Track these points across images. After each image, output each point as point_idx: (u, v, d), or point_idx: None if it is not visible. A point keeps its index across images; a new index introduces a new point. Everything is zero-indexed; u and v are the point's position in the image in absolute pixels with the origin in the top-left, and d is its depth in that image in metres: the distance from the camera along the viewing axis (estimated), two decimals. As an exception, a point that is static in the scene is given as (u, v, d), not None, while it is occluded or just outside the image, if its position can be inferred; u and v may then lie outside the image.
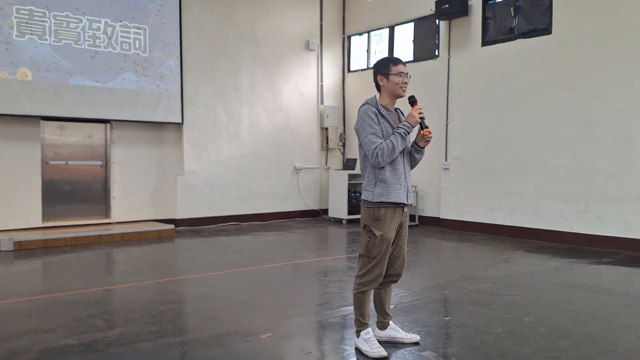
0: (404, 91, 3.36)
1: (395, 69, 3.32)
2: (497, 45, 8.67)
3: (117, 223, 8.61)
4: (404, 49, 10.44)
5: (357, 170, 10.56)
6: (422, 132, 3.34)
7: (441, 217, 9.42)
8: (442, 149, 9.38)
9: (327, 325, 4.02)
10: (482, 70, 8.85)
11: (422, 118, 3.30)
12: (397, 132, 3.25)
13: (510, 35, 8.54)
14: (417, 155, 3.45)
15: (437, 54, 9.73)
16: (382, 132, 3.26)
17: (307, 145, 11.04)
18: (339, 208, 10.41)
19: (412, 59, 10.18)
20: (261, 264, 6.27)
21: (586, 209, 7.48)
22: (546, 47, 7.98)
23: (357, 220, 10.24)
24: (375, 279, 3.35)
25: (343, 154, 11.63)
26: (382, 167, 3.28)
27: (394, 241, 3.39)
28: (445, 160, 9.35)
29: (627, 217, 7.08)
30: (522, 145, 8.27)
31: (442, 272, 5.84)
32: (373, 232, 3.29)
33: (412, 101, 3.39)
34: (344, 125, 11.62)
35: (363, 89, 11.09)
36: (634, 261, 6.48)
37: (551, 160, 7.90)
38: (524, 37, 8.30)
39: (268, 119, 10.44)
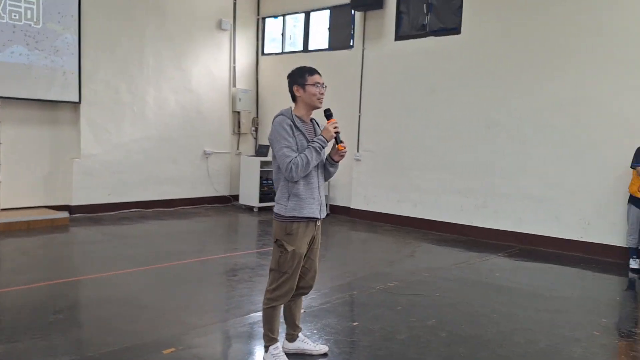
0: (321, 102, 3.27)
1: (311, 79, 3.21)
2: (410, 40, 8.83)
3: (3, 210, 7.84)
4: (320, 36, 10.35)
5: (270, 157, 10.44)
6: (337, 146, 3.28)
7: (352, 207, 9.57)
8: (355, 139, 9.47)
9: (235, 337, 3.92)
10: (395, 65, 8.99)
11: (337, 132, 3.24)
12: (312, 146, 3.16)
13: (422, 32, 8.72)
14: (331, 169, 3.39)
15: (352, 44, 9.73)
16: (296, 145, 3.17)
17: (217, 129, 10.68)
18: (250, 195, 10.23)
19: (327, 47, 10.13)
20: (165, 260, 5.98)
21: (484, 204, 7.93)
22: (455, 46, 8.25)
23: (268, 208, 10.18)
24: (286, 294, 3.28)
25: (255, 139, 11.41)
26: (296, 181, 3.19)
27: (306, 254, 3.34)
28: (357, 151, 9.46)
29: (520, 213, 7.59)
30: (428, 142, 8.55)
31: (351, 269, 5.91)
32: (285, 247, 3.22)
33: (328, 114, 3.32)
34: (257, 109, 11.38)
35: (277, 73, 10.87)
36: (525, 254, 6.97)
37: (454, 157, 8.24)
38: (435, 35, 8.51)
39: (176, 100, 9.95)
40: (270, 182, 10.44)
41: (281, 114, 3.24)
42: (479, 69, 7.98)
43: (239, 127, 11.08)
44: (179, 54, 9.89)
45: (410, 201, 8.75)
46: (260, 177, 10.16)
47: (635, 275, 6.13)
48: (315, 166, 3.25)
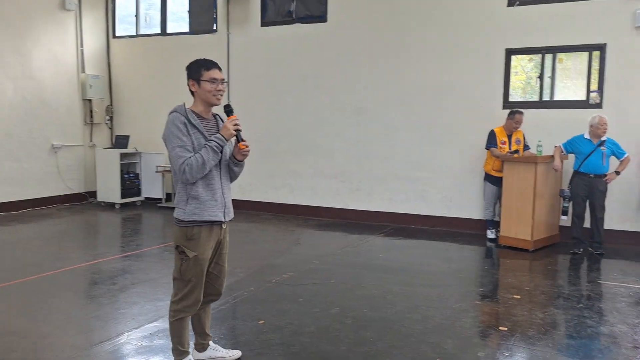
0: (218, 100, 3.02)
1: (207, 75, 2.95)
2: (277, 27, 8.75)
3: None
4: (179, 19, 9.78)
5: (131, 148, 9.67)
6: (238, 145, 3.07)
7: (224, 197, 9.29)
8: (224, 128, 9.16)
9: (135, 354, 3.54)
10: (263, 51, 8.84)
11: (238, 130, 3.01)
12: (209, 146, 2.91)
13: (288, 18, 8.68)
14: (235, 169, 3.17)
15: (215, 28, 9.35)
16: (192, 143, 2.91)
17: (66, 120, 9.58)
18: (110, 191, 9.40)
19: (188, 30, 9.61)
20: (23, 274, 5.20)
21: (358, 187, 8.24)
22: (322, 34, 8.36)
23: (132, 204, 9.47)
24: (194, 304, 3.05)
25: (111, 129, 10.46)
26: (194, 183, 2.94)
27: (213, 259, 3.12)
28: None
29: (391, 194, 8.03)
30: (301, 128, 8.61)
31: (241, 264, 5.72)
32: (186, 253, 2.97)
33: (228, 111, 3.08)
34: (111, 96, 10.41)
35: (133, 57, 10.09)
36: (398, 233, 7.40)
37: (327, 142, 8.42)
38: (302, 22, 8.53)
39: (15, 89, 8.69)
40: (133, 175, 9.72)
41: (174, 110, 2.96)
42: (346, 57, 8.20)
43: (91, 116, 10.08)
44: (16, 37, 8.64)
45: (287, 188, 8.76)
46: (122, 171, 9.39)
47: (492, 244, 6.84)
48: (217, 165, 3.02)
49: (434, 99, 7.66)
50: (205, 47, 9.29)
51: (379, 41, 7.96)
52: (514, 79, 7.41)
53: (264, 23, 8.89)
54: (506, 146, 6.85)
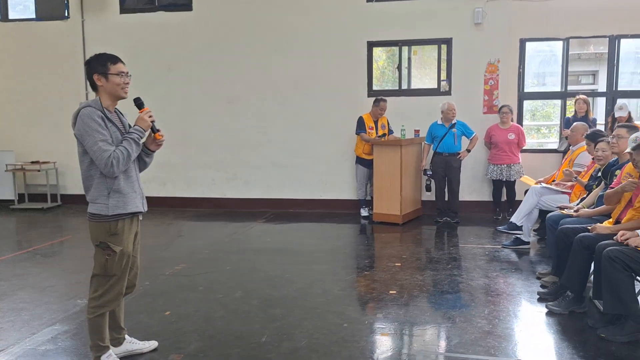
0: (126, 93, 3.01)
1: (114, 69, 2.93)
2: (138, 14, 8.40)
3: None
4: (22, 4, 8.87)
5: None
6: (153, 135, 3.12)
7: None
8: (84, 121, 8.57)
9: (44, 356, 3.32)
10: (124, 40, 8.39)
11: (152, 121, 3.06)
12: (130, 138, 2.93)
13: (151, 5, 8.38)
14: (147, 159, 3.21)
15: (67, 14, 8.66)
16: (111, 137, 2.88)
17: None
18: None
19: (34, 16, 8.77)
20: None
21: (235, 176, 8.32)
22: (189, 22, 8.23)
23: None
24: (115, 298, 3.02)
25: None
26: (116, 177, 2.90)
27: (130, 252, 3.09)
28: (90, 134, 8.60)
29: (268, 180, 8.25)
30: (169, 118, 8.35)
31: (125, 260, 5.52)
32: (111, 249, 2.93)
33: (139, 103, 3.10)
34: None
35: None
36: (280, 217, 7.67)
37: (200, 133, 8.35)
38: (166, 10, 8.31)
39: None
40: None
41: (89, 105, 2.89)
42: (215, 46, 8.18)
43: None
44: None
45: (158, 180, 8.49)
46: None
47: (366, 221, 7.44)
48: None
49: (305, 88, 8.01)
50: (55, 34, 8.62)
51: (247, 31, 8.07)
52: (376, 69, 8.07)
53: (124, 10, 8.47)
54: (374, 131, 7.46)
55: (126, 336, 3.31)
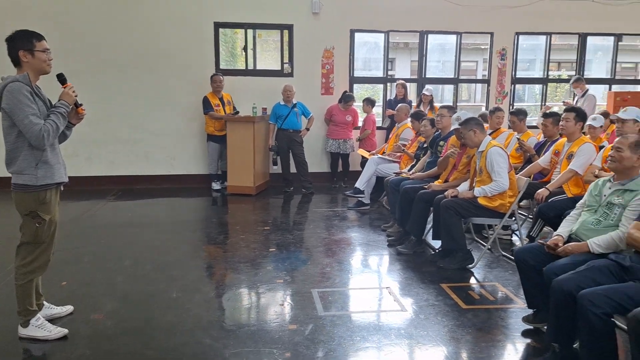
0: (50, 68, 3.10)
1: (40, 45, 3.02)
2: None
3: None
4: None
5: None
6: (76, 109, 3.26)
7: None
8: None
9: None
10: None
11: (76, 96, 3.19)
12: (58, 112, 3.05)
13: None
14: (67, 132, 3.32)
15: None
16: (39, 111, 2.97)
17: None
18: None
19: None
20: None
21: (75, 153, 7.89)
22: (15, -16, 7.49)
23: None
24: (45, 264, 3.20)
25: None
26: (44, 149, 3.02)
27: (49, 220, 3.19)
28: None
29: (112, 157, 8.04)
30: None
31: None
32: (41, 217, 3.06)
33: (63, 79, 3.21)
34: None
35: None
36: (129, 194, 7.59)
37: (32, 106, 7.70)
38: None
39: None
40: None
41: (17, 80, 2.94)
42: (51, 20, 7.58)
43: None
44: None
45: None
46: None
47: (217, 194, 7.82)
48: None
49: (150, 64, 7.95)
50: None
51: (87, 5, 7.68)
52: (226, 49, 8.40)
53: None
54: (221, 108, 7.82)
55: (44, 302, 3.36)
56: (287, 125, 7.87)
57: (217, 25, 8.16)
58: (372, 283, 4.30)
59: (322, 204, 7.24)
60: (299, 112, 7.94)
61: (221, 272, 4.51)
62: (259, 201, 7.36)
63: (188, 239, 5.42)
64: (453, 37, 8.85)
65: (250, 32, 8.31)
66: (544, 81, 9.41)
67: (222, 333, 3.28)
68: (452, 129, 5.14)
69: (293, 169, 8.02)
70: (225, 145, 7.66)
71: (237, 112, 7.81)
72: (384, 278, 4.44)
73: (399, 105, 7.42)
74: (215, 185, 8.02)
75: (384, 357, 3.05)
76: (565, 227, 3.30)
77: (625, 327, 2.39)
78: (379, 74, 9.08)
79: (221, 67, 8.27)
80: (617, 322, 2.53)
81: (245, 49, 8.37)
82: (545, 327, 3.06)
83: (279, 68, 8.45)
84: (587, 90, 8.33)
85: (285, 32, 8.38)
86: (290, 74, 8.40)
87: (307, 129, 8.07)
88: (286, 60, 8.42)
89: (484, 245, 4.97)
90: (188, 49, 8.05)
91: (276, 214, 6.79)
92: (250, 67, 8.38)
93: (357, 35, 8.60)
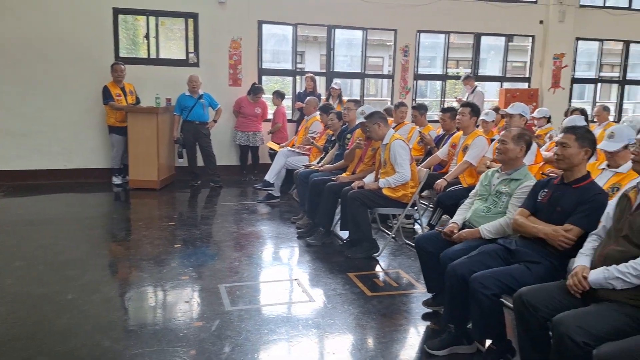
0: None
1: None
2: None
3: None
4: None
5: None
6: None
7: None
8: None
9: None
10: None
11: None
12: None
13: None
14: None
15: None
16: None
17: None
18: None
19: None
20: None
21: (-45, 147, 7.17)
22: None
23: None
24: None
25: None
26: None
27: None
28: None
29: (1, 151, 7.38)
30: None
31: None
32: None
33: None
34: None
35: None
36: (20, 190, 7.00)
37: None
38: None
39: None
40: None
41: None
42: None
43: None
44: None
45: None
46: None
47: (119, 189, 7.45)
48: None
49: (42, 51, 7.38)
50: None
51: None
52: (126, 37, 7.98)
53: None
54: (122, 98, 7.44)
55: None
56: (193, 117, 7.64)
57: (117, 11, 7.73)
58: (281, 275, 4.31)
59: (231, 197, 7.13)
60: (205, 104, 7.75)
61: (123, 270, 4.31)
62: (163, 196, 7.11)
63: (86, 236, 5.12)
64: (359, 33, 9.06)
65: (152, 19, 7.97)
66: (443, 78, 9.90)
67: (123, 334, 3.14)
68: (357, 122, 5.26)
69: (200, 162, 7.82)
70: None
71: (139, 102, 7.47)
72: (293, 270, 4.47)
73: (308, 98, 7.48)
74: (117, 180, 7.63)
75: (291, 348, 3.08)
76: (459, 215, 3.50)
77: (512, 306, 2.59)
78: (288, 66, 9.08)
79: (121, 55, 7.86)
80: (504, 302, 2.73)
81: (147, 36, 8.01)
82: (443, 310, 3.24)
83: (184, 57, 8.19)
84: (476, 86, 8.88)
85: (190, 20, 8.12)
86: (196, 64, 8.17)
87: (215, 121, 7.89)
88: (191, 49, 8.18)
89: (389, 234, 5.15)
90: (84, 36, 7.56)
91: (182, 208, 6.61)
92: (153, 55, 8.04)
93: (265, 26, 8.53)
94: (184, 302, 3.64)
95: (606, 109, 7.60)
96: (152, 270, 4.21)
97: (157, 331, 3.18)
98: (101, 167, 7.82)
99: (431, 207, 5.68)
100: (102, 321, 3.29)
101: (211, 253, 4.75)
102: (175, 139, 7.72)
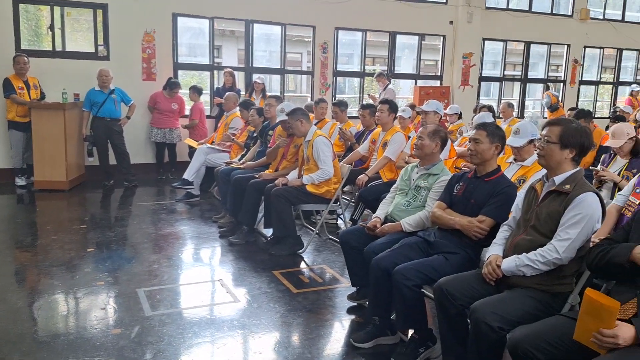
0: None
1: None
2: None
3: None
4: None
5: None
6: None
7: None
8: None
9: None
10: None
11: None
12: None
13: None
14: None
15: None
16: None
17: None
18: None
19: None
20: None
21: None
22: None
23: None
24: None
25: None
26: None
27: None
28: None
29: None
30: None
31: None
32: None
33: None
34: None
35: None
36: None
37: None
38: None
39: None
40: None
41: None
42: None
43: None
44: None
45: None
46: None
47: (23, 191, 6.92)
48: None
49: None
50: None
51: None
52: (28, 28, 7.40)
53: None
54: (25, 91, 6.90)
55: None
56: (104, 113, 7.24)
57: (17, 1, 7.15)
58: (204, 277, 4.21)
59: (148, 197, 6.86)
60: (117, 99, 7.36)
61: (31, 278, 4.01)
62: (73, 197, 6.70)
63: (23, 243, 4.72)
64: (278, 28, 9.01)
65: (57, 9, 7.45)
66: (361, 75, 10.10)
67: (33, 346, 2.92)
68: (278, 120, 5.23)
69: (113, 161, 7.44)
70: (31, 134, 6.79)
71: (44, 98, 6.97)
72: (216, 270, 4.38)
73: (227, 93, 7.34)
74: (20, 181, 7.07)
75: (216, 350, 3.01)
76: (382, 210, 3.59)
77: (432, 296, 2.69)
78: (205, 61, 8.86)
79: (23, 47, 7.29)
80: (425, 292, 2.84)
81: (51, 28, 7.48)
82: (367, 303, 3.31)
83: (93, 50, 7.74)
84: (388, 84, 9.15)
85: (99, 11, 7.68)
86: (106, 57, 7.75)
87: (128, 117, 7.53)
88: (101, 42, 7.74)
89: (313, 230, 5.18)
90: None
91: (94, 210, 6.26)
92: (59, 48, 7.54)
93: (180, 19, 8.25)
94: (100, 309, 3.45)
95: (510, 106, 8.11)
96: (64, 276, 3.95)
97: (72, 341, 2.99)
98: (1, 168, 7.22)
99: (353, 202, 5.79)
100: (9, 333, 3.04)
101: (128, 256, 4.54)
102: (84, 136, 7.30)
